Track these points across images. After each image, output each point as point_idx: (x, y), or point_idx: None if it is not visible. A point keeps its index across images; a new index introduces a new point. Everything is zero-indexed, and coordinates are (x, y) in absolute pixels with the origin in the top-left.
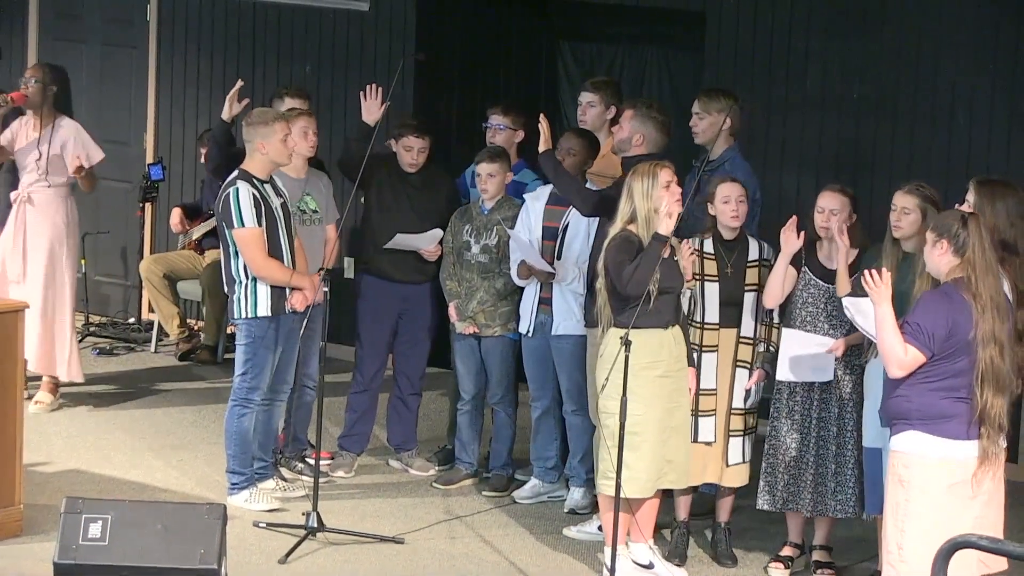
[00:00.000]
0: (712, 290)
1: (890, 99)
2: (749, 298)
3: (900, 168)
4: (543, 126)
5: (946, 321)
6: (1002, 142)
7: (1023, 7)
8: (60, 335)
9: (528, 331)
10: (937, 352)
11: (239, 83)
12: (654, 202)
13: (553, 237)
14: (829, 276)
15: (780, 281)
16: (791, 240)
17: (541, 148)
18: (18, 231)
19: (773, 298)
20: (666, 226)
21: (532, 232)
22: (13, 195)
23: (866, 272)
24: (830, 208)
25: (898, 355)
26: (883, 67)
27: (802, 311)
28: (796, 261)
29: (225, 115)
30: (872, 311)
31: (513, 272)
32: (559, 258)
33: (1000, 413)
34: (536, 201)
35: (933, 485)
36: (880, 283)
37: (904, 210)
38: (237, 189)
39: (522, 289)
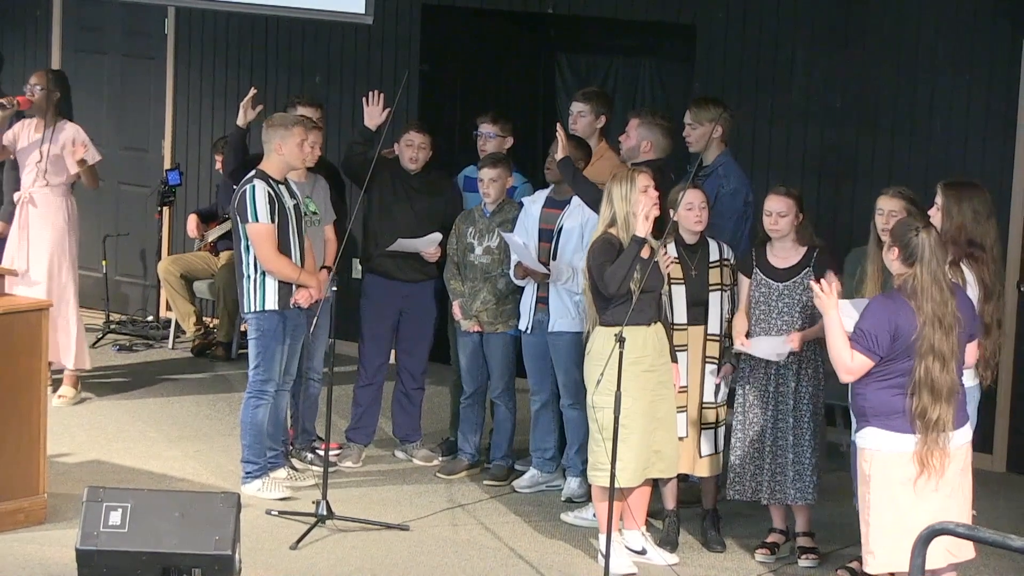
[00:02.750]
0: (679, 292)
1: (871, 108)
2: (714, 297)
3: (881, 174)
4: (560, 134)
5: (888, 325)
6: (977, 149)
7: (998, 21)
8: (65, 326)
9: (527, 328)
10: (885, 354)
11: (252, 91)
12: (632, 206)
13: (549, 239)
14: (778, 275)
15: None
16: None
17: (559, 155)
18: (22, 230)
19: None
20: (643, 228)
21: (529, 234)
22: (16, 195)
23: (813, 284)
24: (777, 211)
25: (845, 361)
26: (864, 77)
27: (755, 309)
28: (747, 267)
29: (240, 122)
30: (849, 316)
31: (511, 272)
32: (554, 259)
33: (944, 420)
34: (533, 204)
35: (889, 479)
36: (828, 291)
37: (891, 213)
38: (254, 186)
39: (523, 289)
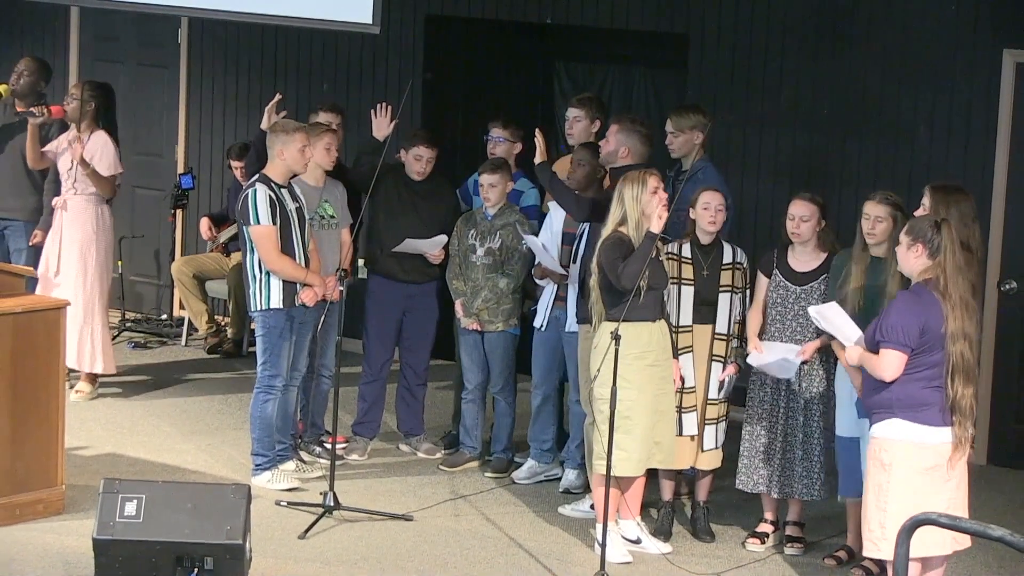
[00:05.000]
0: (688, 292)
1: (857, 115)
2: (724, 298)
3: (866, 179)
4: (539, 139)
5: (918, 318)
6: (959, 155)
7: (979, 31)
8: (90, 332)
9: (542, 325)
10: (915, 347)
11: (277, 96)
12: (643, 205)
13: (571, 242)
14: (797, 278)
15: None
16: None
17: (537, 160)
18: (55, 234)
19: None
20: (657, 226)
21: (555, 236)
22: (54, 201)
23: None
24: (800, 215)
25: (878, 367)
26: (850, 85)
27: (771, 310)
28: (767, 266)
29: (264, 125)
30: (838, 317)
31: (532, 272)
32: (575, 261)
33: (970, 403)
34: (559, 210)
35: (911, 468)
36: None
37: (878, 219)
38: (255, 190)
39: (521, 289)
